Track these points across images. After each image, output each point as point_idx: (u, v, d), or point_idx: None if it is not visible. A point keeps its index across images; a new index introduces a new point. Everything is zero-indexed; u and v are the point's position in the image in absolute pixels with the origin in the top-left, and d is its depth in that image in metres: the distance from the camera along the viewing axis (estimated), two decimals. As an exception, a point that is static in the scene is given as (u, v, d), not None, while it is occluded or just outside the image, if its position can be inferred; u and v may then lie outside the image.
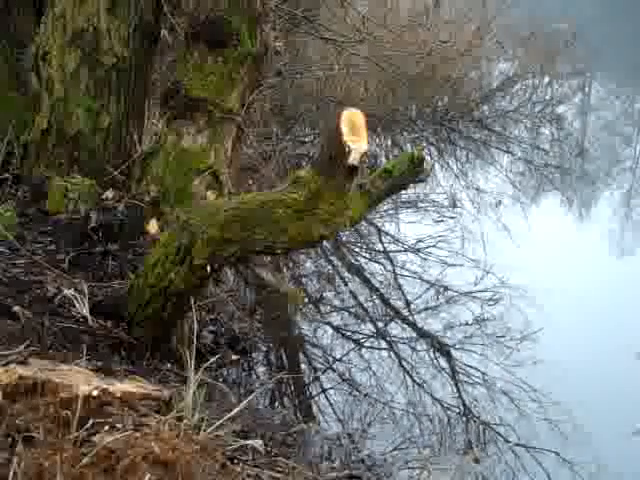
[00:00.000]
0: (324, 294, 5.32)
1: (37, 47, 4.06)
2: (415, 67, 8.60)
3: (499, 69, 12.25)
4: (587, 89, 14.58)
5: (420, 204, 7.45)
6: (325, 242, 4.66)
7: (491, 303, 5.18)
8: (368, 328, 4.90)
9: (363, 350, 4.57)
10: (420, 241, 6.29)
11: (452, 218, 6.99)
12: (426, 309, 5.15)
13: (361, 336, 4.75)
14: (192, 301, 2.68)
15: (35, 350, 2.45)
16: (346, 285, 5.53)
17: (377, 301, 5.34)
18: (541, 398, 4.05)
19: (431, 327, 4.91)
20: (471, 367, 4.42)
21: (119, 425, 1.79)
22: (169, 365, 2.99)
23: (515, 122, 10.91)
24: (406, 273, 5.76)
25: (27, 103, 4.14)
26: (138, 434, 1.76)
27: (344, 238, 6.21)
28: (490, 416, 3.97)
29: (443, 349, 4.65)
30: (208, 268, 2.78)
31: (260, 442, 2.35)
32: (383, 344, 4.70)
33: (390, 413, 3.93)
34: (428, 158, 3.88)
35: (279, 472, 2.26)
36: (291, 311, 4.86)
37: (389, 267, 5.92)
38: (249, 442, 2.26)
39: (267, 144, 5.96)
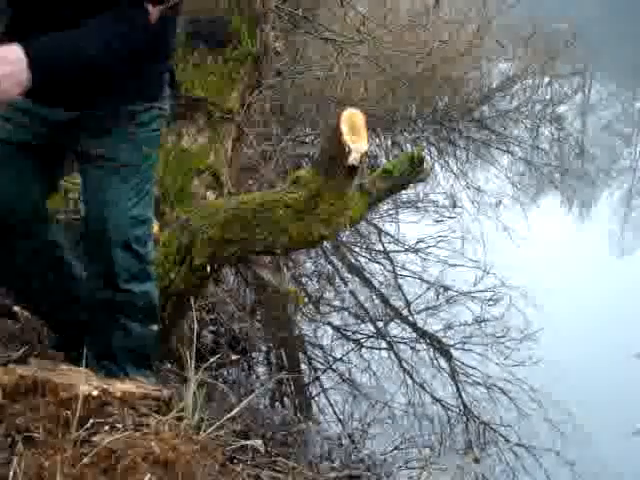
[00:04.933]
0: (324, 294, 5.32)
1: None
2: (415, 67, 8.59)
3: (499, 69, 12.24)
4: (587, 89, 14.57)
5: (420, 204, 7.45)
6: (325, 242, 4.66)
7: (491, 303, 5.18)
8: (368, 328, 4.90)
9: (363, 350, 4.57)
10: (420, 241, 6.29)
11: (452, 218, 6.99)
12: (426, 309, 5.15)
13: (361, 336, 4.75)
14: (192, 301, 2.68)
15: (35, 350, 2.45)
16: (346, 285, 5.53)
17: (377, 301, 5.34)
18: (541, 398, 4.05)
19: (431, 327, 4.91)
20: (471, 367, 4.42)
21: (119, 425, 1.79)
22: (169, 365, 3.00)
23: (515, 122, 10.91)
24: (406, 273, 5.76)
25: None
26: (138, 434, 1.76)
27: (344, 238, 6.21)
28: (490, 416, 3.97)
29: (443, 349, 4.66)
30: (208, 268, 2.79)
31: (260, 442, 2.35)
32: (383, 344, 4.70)
33: (390, 413, 3.93)
34: (428, 158, 3.88)
35: (279, 472, 2.26)
36: (291, 311, 4.86)
37: (389, 267, 5.92)
38: (249, 442, 2.26)
39: (267, 144, 5.96)
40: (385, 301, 5.33)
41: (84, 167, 2.15)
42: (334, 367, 4.35)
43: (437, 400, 4.10)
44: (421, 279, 5.60)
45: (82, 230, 2.26)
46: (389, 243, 6.49)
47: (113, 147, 2.09)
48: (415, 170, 3.70)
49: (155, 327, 2.36)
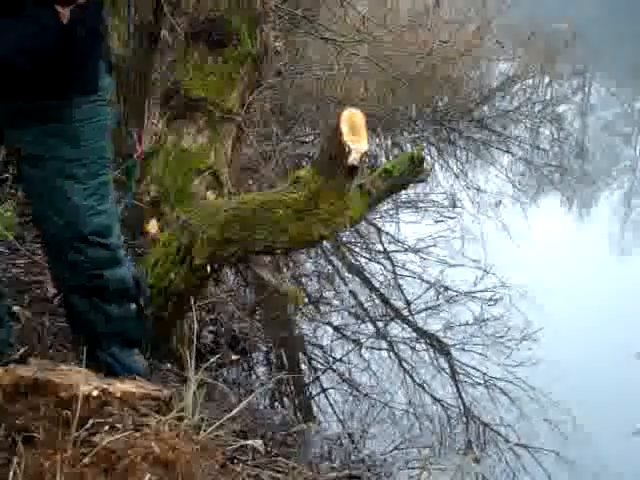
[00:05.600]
0: (324, 294, 5.32)
1: (37, 47, 4.04)
2: (415, 67, 8.59)
3: (499, 69, 12.24)
4: (587, 89, 14.57)
5: (420, 204, 7.45)
6: (325, 242, 4.66)
7: (491, 303, 5.18)
8: (368, 328, 4.90)
9: (363, 350, 4.57)
10: (420, 241, 6.29)
11: (452, 218, 6.99)
12: (426, 309, 5.15)
13: (361, 336, 4.75)
14: (192, 301, 2.68)
15: (35, 350, 2.45)
16: (346, 285, 5.53)
17: (377, 301, 5.33)
18: (541, 398, 4.05)
19: (431, 327, 4.91)
20: (471, 367, 4.42)
21: (119, 425, 1.79)
22: (169, 365, 3.00)
23: (515, 122, 10.91)
24: (406, 273, 5.76)
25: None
26: (138, 434, 1.76)
27: (344, 238, 6.21)
28: (490, 416, 3.97)
29: (443, 349, 4.65)
30: (208, 268, 2.79)
31: (260, 442, 2.35)
32: (383, 344, 4.70)
33: (390, 413, 3.93)
34: (428, 158, 3.88)
35: (279, 472, 2.26)
36: (291, 311, 4.86)
37: (389, 267, 5.92)
38: (249, 442, 2.27)
39: (267, 144, 5.95)
40: (385, 301, 5.33)
41: (26, 171, 2.14)
42: (334, 367, 4.35)
43: (437, 400, 4.10)
44: (421, 279, 5.60)
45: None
46: (389, 243, 6.49)
47: (53, 146, 2.08)
48: (415, 170, 3.70)
49: (133, 306, 2.37)
